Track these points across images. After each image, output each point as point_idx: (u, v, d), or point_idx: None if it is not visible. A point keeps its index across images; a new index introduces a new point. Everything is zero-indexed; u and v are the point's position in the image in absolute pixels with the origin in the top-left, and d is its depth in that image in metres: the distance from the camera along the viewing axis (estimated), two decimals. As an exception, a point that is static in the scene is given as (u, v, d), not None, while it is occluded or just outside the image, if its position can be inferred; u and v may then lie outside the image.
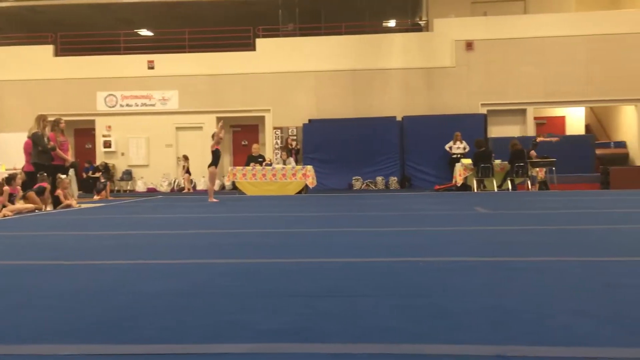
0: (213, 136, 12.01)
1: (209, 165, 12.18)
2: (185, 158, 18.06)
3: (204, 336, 2.24)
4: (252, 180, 15.04)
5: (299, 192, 14.74)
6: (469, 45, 17.67)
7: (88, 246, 5.25)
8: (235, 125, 19.75)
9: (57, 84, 18.73)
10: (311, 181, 14.73)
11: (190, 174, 18.01)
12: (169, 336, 2.25)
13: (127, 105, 18.82)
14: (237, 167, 15.48)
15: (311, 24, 20.72)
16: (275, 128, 18.41)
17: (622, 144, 18.20)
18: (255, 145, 16.36)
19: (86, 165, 18.90)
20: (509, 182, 14.54)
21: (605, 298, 2.82)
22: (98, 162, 18.77)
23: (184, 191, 17.81)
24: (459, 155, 15.86)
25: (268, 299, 2.86)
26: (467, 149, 15.83)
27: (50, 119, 10.98)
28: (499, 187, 14.62)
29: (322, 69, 18.11)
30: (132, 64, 18.81)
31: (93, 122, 19.01)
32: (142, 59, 18.89)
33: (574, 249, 4.55)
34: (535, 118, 18.27)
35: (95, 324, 2.46)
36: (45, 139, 10.45)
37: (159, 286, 3.25)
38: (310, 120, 17.73)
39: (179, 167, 18.71)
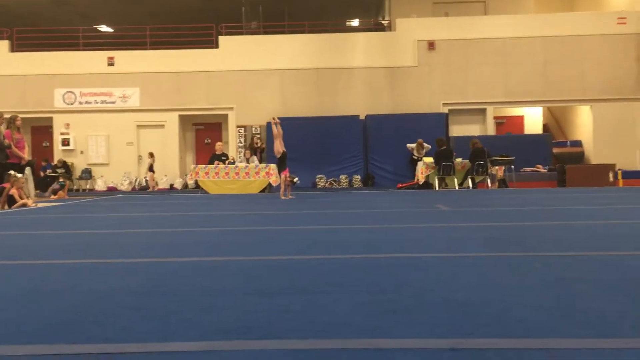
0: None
1: (280, 171, 11.52)
2: (151, 155, 17.75)
3: (155, 335, 2.20)
4: (215, 179, 14.90)
5: (262, 191, 14.68)
6: (431, 45, 17.88)
7: (41, 245, 5.12)
8: (198, 123, 19.55)
9: (13, 80, 18.21)
10: (274, 179, 14.68)
11: (154, 172, 17.72)
12: (119, 336, 2.20)
13: (87, 102, 18.42)
14: (200, 166, 15.32)
15: (275, 22, 20.65)
16: (238, 126, 18.29)
17: (577, 143, 18.71)
18: (218, 144, 16.23)
19: (43, 163, 18.42)
20: (470, 180, 14.78)
21: (557, 292, 2.89)
22: (56, 160, 18.32)
23: (149, 190, 17.53)
24: (419, 157, 16.04)
25: (223, 297, 2.83)
26: (429, 148, 16.04)
27: (6, 116, 10.66)
28: (460, 185, 14.85)
29: (286, 67, 18.07)
30: (91, 61, 18.42)
31: (51, 119, 18.54)
32: (102, 55, 18.51)
33: (528, 244, 4.65)
34: (495, 117, 18.63)
35: (45, 324, 2.39)
36: (1, 137, 10.15)
37: (110, 285, 3.18)
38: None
39: (142, 165, 18.41)
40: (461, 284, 3.08)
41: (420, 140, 16.24)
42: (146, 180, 17.99)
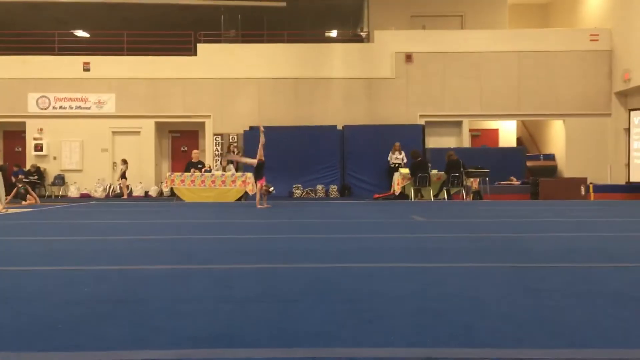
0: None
1: (257, 179, 11.47)
2: (124, 162, 17.51)
3: (128, 343, 2.17)
4: (190, 187, 14.79)
5: (239, 199, 14.60)
6: (409, 57, 18.06)
7: (11, 252, 5.01)
8: (175, 130, 19.39)
9: (-14, 83, 17.88)
10: (251, 188, 14.62)
11: (126, 178, 17.48)
12: (90, 343, 2.16)
13: (61, 107, 18.14)
14: (176, 173, 15.19)
15: (253, 31, 20.66)
16: (215, 134, 18.19)
17: (550, 157, 19.02)
18: (195, 152, 16.11)
19: (15, 168, 18.07)
20: (445, 192, 14.90)
21: (528, 302, 2.92)
22: (29, 165, 17.99)
23: (123, 197, 17.30)
24: (397, 165, 16.15)
25: (197, 305, 2.80)
26: (405, 160, 16.15)
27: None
28: (435, 196, 14.96)
29: (264, 76, 18.06)
30: (66, 65, 18.17)
31: (24, 124, 18.21)
32: (77, 60, 18.27)
33: (501, 255, 4.70)
34: (470, 130, 18.84)
35: (15, 331, 2.34)
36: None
37: (82, 293, 3.13)
38: (251, 127, 17.61)
39: (116, 171, 18.18)
40: (436, 294, 3.11)
41: (397, 143, 16.30)
42: (120, 187, 17.77)
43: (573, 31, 18.72)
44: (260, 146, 11.42)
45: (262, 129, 11.60)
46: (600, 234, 6.50)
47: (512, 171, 16.96)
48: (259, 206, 11.36)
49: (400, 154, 16.30)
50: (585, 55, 17.92)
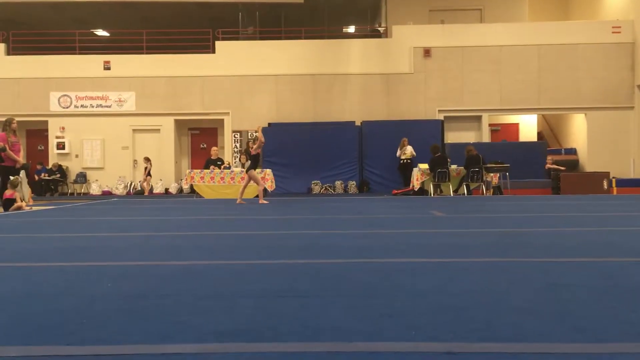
0: (254, 141, 11.79)
1: (248, 170, 11.72)
2: (147, 160, 17.71)
3: (149, 338, 2.20)
4: (210, 184, 14.89)
5: (257, 196, 14.65)
6: (427, 52, 17.96)
7: (36, 248, 5.10)
8: (194, 128, 19.54)
9: (9, 83, 18.18)
10: (270, 184, 14.68)
11: (151, 176, 17.69)
12: (115, 338, 2.20)
13: (82, 106, 18.39)
14: (195, 170, 15.31)
15: (271, 27, 20.70)
16: (234, 131, 18.30)
17: (572, 151, 18.80)
18: (214, 149, 16.23)
19: (38, 167, 18.37)
20: (465, 187, 14.82)
21: (550, 297, 2.90)
22: (51, 164, 18.28)
23: (145, 194, 17.49)
24: (406, 161, 15.99)
25: (218, 301, 2.83)
26: (414, 154, 15.93)
27: (2, 119, 10.64)
28: (455, 191, 14.89)
29: (282, 72, 18.11)
30: (87, 65, 18.41)
31: (46, 123, 18.50)
32: (98, 59, 18.50)
33: (522, 250, 4.67)
34: (490, 124, 18.69)
35: (39, 326, 2.39)
36: (-3, 139, 10.13)
37: (106, 289, 3.18)
38: (269, 124, 17.70)
39: (137, 169, 18.38)
40: (456, 289, 3.10)
41: (404, 139, 16.18)
42: (141, 185, 17.98)
43: (594, 23, 18.46)
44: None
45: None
46: (622, 228, 6.41)
47: (533, 166, 16.75)
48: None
49: (406, 149, 16.02)
50: (607, 48, 17.66)
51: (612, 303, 2.75)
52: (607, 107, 17.69)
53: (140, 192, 17.78)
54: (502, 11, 19.66)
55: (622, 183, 15.61)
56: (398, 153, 16.32)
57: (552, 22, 19.41)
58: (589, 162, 17.67)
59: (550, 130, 20.79)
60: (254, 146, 11.79)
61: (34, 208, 11.01)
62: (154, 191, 17.93)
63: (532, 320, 2.42)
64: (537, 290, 3.07)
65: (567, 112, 18.77)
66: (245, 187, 12.14)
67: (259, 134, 11.58)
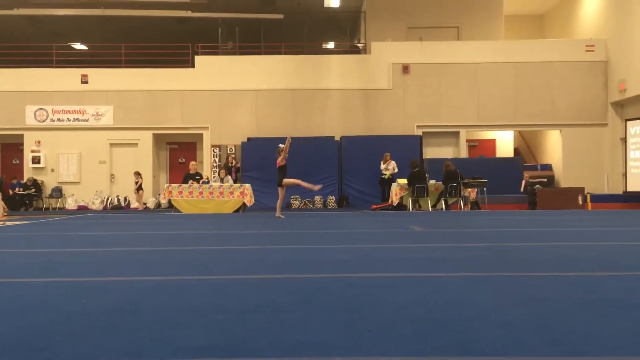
0: (279, 152, 11.76)
1: (279, 183, 12.00)
2: (138, 174, 17.37)
3: (127, 353, 2.16)
4: (188, 198, 14.77)
5: (237, 211, 14.59)
6: (405, 68, 18.14)
7: (8, 263, 4.99)
8: (172, 142, 19.41)
9: (-16, 96, 17.89)
10: (249, 199, 14.62)
11: (142, 190, 17.33)
12: (89, 354, 2.15)
13: (59, 120, 18.16)
14: (174, 185, 15.18)
15: (251, 42, 20.75)
16: (213, 146, 18.21)
17: (548, 167, 19.06)
18: (192, 163, 16.12)
19: (13, 181, 18.05)
20: (443, 202, 14.91)
21: (529, 310, 2.92)
22: (25, 178, 17.96)
23: (140, 208, 17.18)
24: (387, 176, 16.06)
25: (195, 316, 2.79)
26: (396, 170, 16.01)
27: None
28: (433, 206, 14.97)
29: (261, 87, 18.11)
30: (64, 78, 18.20)
31: (21, 136, 18.21)
32: (75, 72, 18.32)
33: (499, 265, 4.70)
34: (467, 140, 18.88)
35: (12, 342, 2.33)
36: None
37: (81, 304, 3.11)
38: (249, 139, 17.65)
39: (114, 183, 18.15)
40: (436, 303, 3.10)
41: (387, 154, 16.24)
42: (118, 199, 17.73)
43: (569, 42, 18.84)
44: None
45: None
46: (598, 243, 6.50)
47: (510, 181, 16.92)
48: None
49: (389, 164, 16.13)
50: (581, 66, 18.02)
51: (590, 316, 2.78)
52: (581, 124, 18.00)
53: (118, 207, 17.55)
54: (479, 29, 19.98)
55: (597, 198, 15.85)
56: (383, 166, 16.35)
57: (528, 40, 19.77)
58: (564, 178, 17.92)
59: (527, 147, 21.08)
60: (279, 157, 11.91)
61: (8, 223, 10.79)
62: (131, 206, 17.71)
63: (511, 334, 2.43)
64: (515, 304, 3.08)
65: (543, 129, 19.06)
66: (281, 200, 12.41)
67: (287, 145, 11.78)
